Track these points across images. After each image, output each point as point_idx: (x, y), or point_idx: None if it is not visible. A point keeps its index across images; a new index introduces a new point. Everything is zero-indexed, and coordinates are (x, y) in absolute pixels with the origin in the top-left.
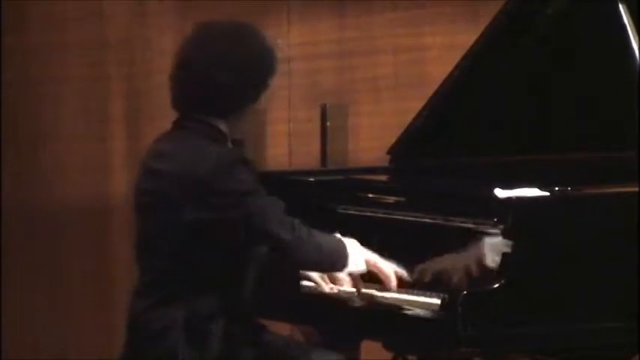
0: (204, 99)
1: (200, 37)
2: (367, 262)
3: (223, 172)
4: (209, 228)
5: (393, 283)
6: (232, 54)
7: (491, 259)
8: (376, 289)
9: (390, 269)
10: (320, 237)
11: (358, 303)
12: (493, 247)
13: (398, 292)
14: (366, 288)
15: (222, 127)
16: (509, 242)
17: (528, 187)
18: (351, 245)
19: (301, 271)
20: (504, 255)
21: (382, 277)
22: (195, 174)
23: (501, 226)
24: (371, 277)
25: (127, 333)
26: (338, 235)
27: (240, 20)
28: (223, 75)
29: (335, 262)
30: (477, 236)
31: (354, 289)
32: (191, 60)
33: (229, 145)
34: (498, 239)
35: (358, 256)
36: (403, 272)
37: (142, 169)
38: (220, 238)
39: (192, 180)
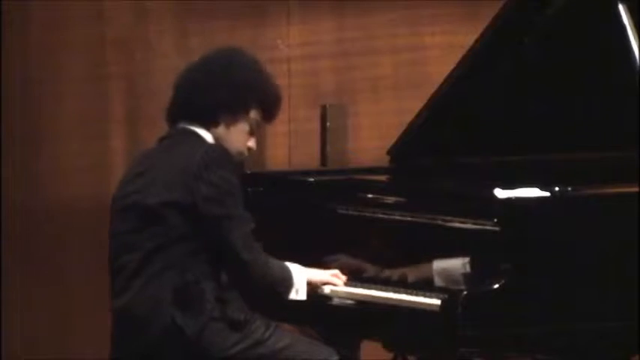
0: (186, 109)
1: (200, 60)
2: (310, 281)
3: (209, 162)
4: (193, 211)
5: (339, 281)
6: (216, 76)
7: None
8: (375, 289)
9: (327, 276)
10: (273, 269)
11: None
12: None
13: (398, 292)
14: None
15: (206, 136)
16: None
17: (528, 187)
18: (297, 274)
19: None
20: (504, 255)
21: (334, 283)
22: (184, 164)
23: (501, 226)
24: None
25: (116, 330)
26: (288, 264)
27: (240, 49)
28: (202, 85)
29: (277, 292)
30: (476, 236)
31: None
32: (182, 79)
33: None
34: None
35: (302, 286)
36: (336, 271)
37: (125, 177)
38: (195, 222)
39: (180, 168)
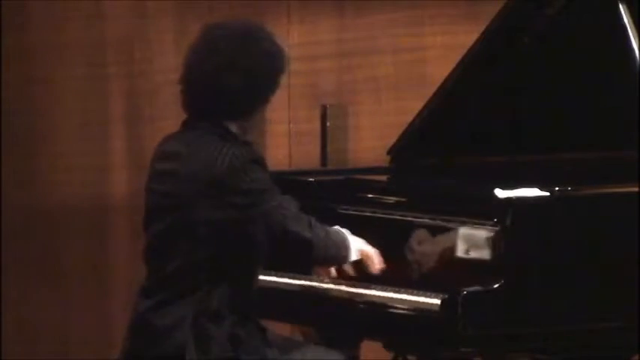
0: (215, 102)
1: (208, 39)
2: (360, 251)
3: (238, 170)
4: (223, 227)
5: (379, 265)
6: (241, 56)
7: (463, 251)
8: (375, 289)
9: (373, 251)
10: (331, 233)
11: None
12: (466, 239)
13: (398, 292)
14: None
15: (233, 128)
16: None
17: (528, 187)
18: (349, 235)
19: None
20: (504, 255)
21: (369, 261)
22: (210, 174)
23: (501, 226)
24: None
25: (130, 331)
26: (337, 228)
27: (247, 20)
28: (233, 78)
29: (344, 256)
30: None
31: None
32: (200, 63)
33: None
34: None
35: (354, 246)
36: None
37: (152, 170)
38: (234, 237)
39: (207, 179)
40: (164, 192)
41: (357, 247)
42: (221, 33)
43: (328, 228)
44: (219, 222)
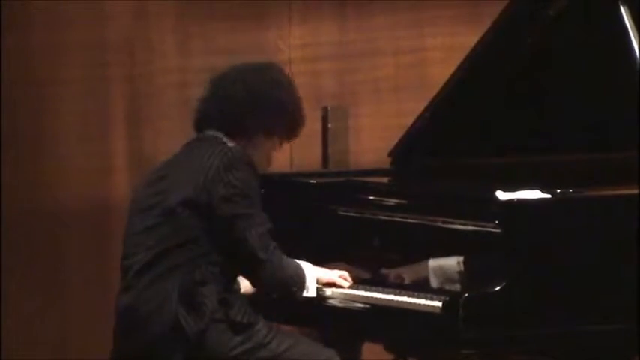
0: (219, 121)
1: (231, 70)
2: (319, 280)
3: (229, 165)
4: (203, 211)
5: (345, 283)
6: (253, 81)
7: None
8: (377, 291)
9: (335, 276)
10: (288, 268)
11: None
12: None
13: (400, 294)
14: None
15: (229, 144)
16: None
17: (529, 189)
18: (308, 272)
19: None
20: (505, 257)
21: (337, 285)
22: (200, 164)
23: (502, 228)
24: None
25: (117, 327)
26: (300, 263)
27: (274, 66)
28: (238, 95)
29: (292, 292)
30: (477, 238)
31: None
32: (217, 89)
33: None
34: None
35: (312, 284)
36: (345, 273)
37: (146, 180)
38: (213, 222)
39: (196, 168)
40: (156, 192)
41: (319, 277)
42: (244, 68)
43: (289, 260)
44: (204, 206)
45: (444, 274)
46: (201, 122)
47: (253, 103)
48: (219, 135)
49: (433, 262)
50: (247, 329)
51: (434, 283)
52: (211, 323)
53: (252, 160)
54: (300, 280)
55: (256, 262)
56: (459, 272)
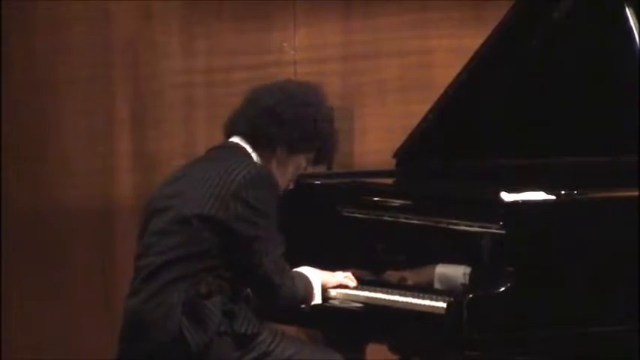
0: (248, 129)
1: (275, 87)
2: (324, 286)
3: (250, 183)
4: (218, 226)
5: (350, 283)
6: (292, 112)
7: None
8: (381, 292)
9: (340, 278)
10: (299, 287)
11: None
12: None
13: (404, 295)
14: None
15: (253, 156)
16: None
17: (534, 190)
18: (315, 282)
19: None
20: (510, 258)
21: (341, 287)
22: (223, 177)
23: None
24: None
25: (122, 332)
26: (306, 273)
27: (317, 88)
28: (271, 109)
29: (299, 307)
30: (482, 239)
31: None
32: (256, 98)
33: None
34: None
35: (318, 292)
36: (349, 274)
37: (166, 180)
38: (225, 238)
39: (221, 182)
40: (173, 194)
41: (325, 282)
42: (293, 88)
43: (298, 278)
44: (221, 222)
45: (447, 283)
46: (229, 127)
47: (280, 113)
48: (245, 145)
49: (440, 269)
50: (252, 341)
51: (437, 287)
52: (215, 336)
53: (274, 179)
54: (309, 296)
55: (270, 286)
56: (463, 285)
